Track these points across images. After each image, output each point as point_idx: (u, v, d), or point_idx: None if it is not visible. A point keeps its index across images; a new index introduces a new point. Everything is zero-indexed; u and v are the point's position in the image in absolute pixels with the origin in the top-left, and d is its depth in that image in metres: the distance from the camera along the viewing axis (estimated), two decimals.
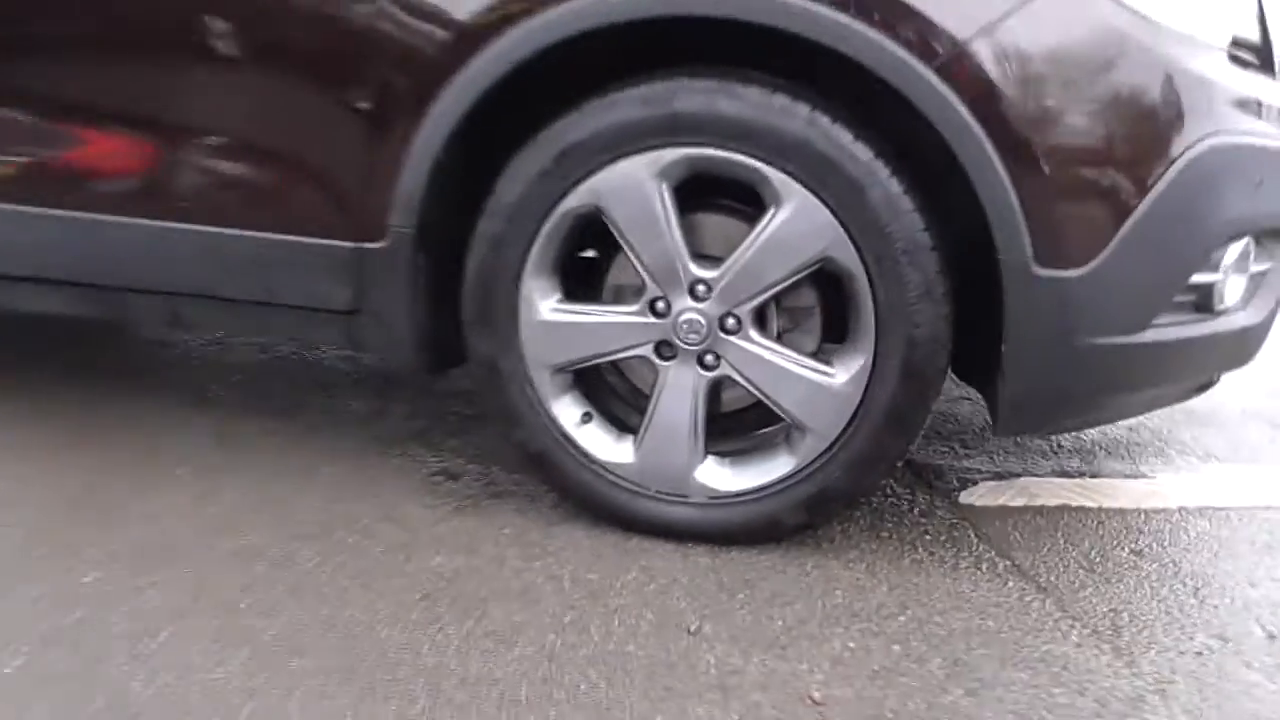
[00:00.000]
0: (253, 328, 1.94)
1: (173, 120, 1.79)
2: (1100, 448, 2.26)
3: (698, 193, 1.70)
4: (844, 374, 1.65)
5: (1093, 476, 2.12)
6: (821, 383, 1.66)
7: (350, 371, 2.53)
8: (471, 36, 1.62)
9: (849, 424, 1.67)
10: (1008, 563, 1.75)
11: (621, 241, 1.68)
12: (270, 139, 1.77)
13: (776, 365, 1.67)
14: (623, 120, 1.61)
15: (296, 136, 1.75)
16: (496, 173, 1.72)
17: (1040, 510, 1.95)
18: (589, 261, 1.84)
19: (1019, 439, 2.27)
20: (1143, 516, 1.95)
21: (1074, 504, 1.98)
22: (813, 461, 1.70)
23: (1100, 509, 1.97)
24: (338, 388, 2.42)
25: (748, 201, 1.73)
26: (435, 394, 2.41)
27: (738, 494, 1.74)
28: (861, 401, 1.65)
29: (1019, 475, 2.09)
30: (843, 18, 1.51)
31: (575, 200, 1.67)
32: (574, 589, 1.60)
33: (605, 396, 1.89)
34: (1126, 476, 2.13)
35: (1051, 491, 2.02)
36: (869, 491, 1.70)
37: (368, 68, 1.68)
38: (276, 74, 1.73)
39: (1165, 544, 1.85)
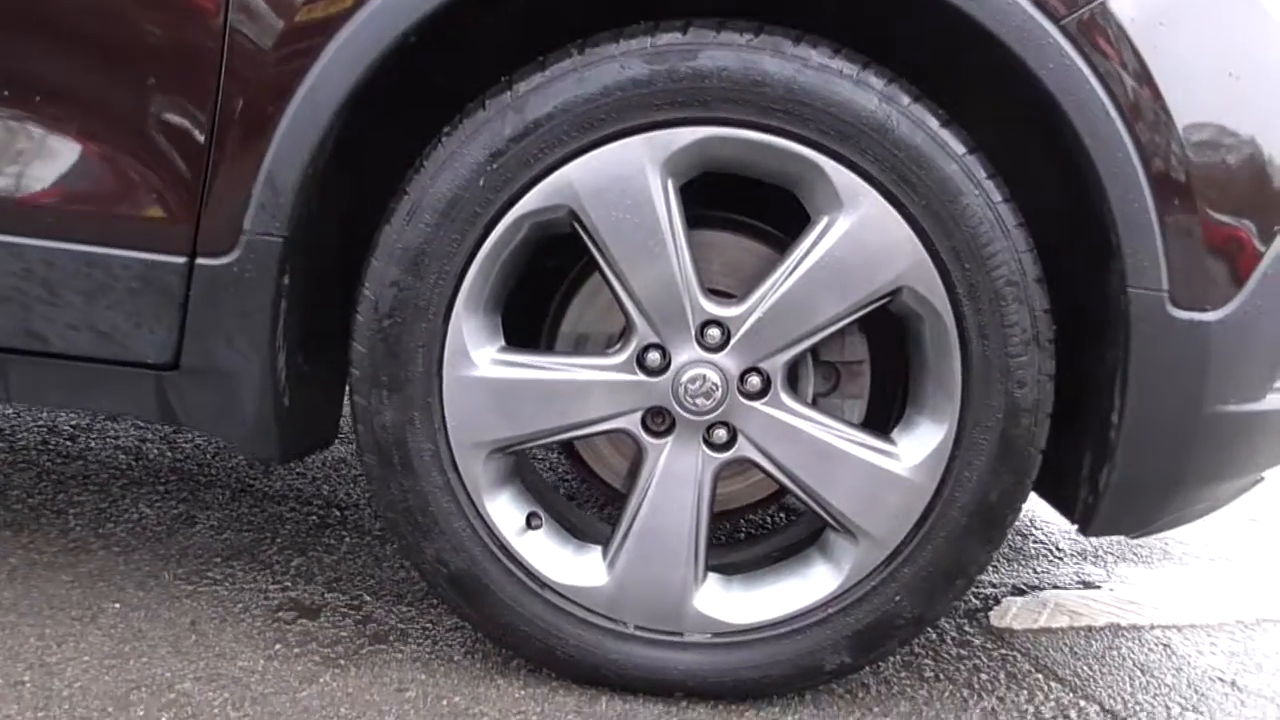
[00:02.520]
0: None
1: None
2: (1102, 550, 1.89)
3: (697, 201, 1.21)
4: (914, 454, 1.18)
5: (1122, 583, 1.73)
6: (882, 467, 1.18)
7: (126, 460, 1.82)
8: None
9: (918, 525, 1.19)
10: (1097, 708, 1.31)
11: (601, 261, 1.15)
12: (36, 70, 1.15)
13: (820, 443, 1.18)
14: (617, 82, 1.11)
15: (82, 72, 1.14)
16: (412, 157, 1.17)
17: (1091, 632, 1.54)
18: (530, 289, 1.30)
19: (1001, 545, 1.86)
20: (1208, 633, 1.57)
21: (1124, 622, 1.58)
22: (866, 579, 1.21)
23: (1155, 626, 1.57)
24: (113, 485, 1.72)
25: (767, 219, 1.26)
26: (257, 492, 1.75)
27: (754, 628, 1.22)
28: (937, 493, 1.18)
29: (1040, 588, 1.68)
30: None
31: (537, 200, 1.14)
32: None
33: (550, 492, 1.34)
34: (1159, 585, 1.76)
35: (1089, 607, 1.62)
36: (938, 617, 1.24)
37: None
38: None
39: (1260, 666, 1.47)
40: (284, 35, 1.12)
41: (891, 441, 1.19)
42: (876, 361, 1.30)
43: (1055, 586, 1.69)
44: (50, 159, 1.17)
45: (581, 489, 1.85)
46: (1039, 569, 1.76)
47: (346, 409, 1.26)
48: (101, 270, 1.17)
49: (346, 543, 1.59)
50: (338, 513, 1.69)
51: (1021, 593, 1.65)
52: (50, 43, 1.15)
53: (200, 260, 1.16)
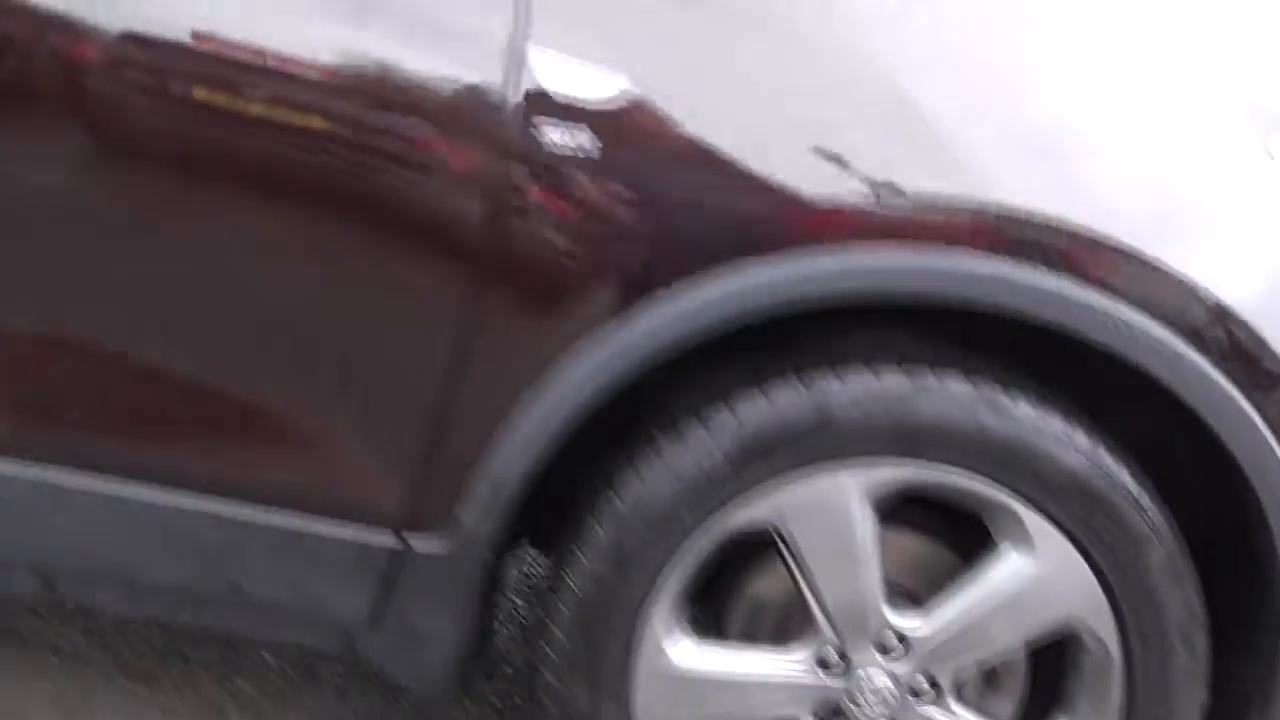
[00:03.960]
0: (192, 617, 1.30)
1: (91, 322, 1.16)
2: None
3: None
4: None
5: None
6: None
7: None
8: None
9: None
10: None
11: (798, 573, 1.21)
12: (263, 358, 1.17)
13: None
14: (835, 419, 1.15)
15: (314, 359, 1.17)
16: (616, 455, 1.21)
17: None
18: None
19: None
20: None
21: None
22: None
23: None
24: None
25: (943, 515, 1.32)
26: None
27: None
28: None
29: None
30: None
31: (744, 517, 1.19)
32: None
33: None
34: None
35: None
36: None
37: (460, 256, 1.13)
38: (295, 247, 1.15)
39: None
40: (530, 336, 1.14)
41: None
42: (1035, 664, 1.36)
43: None
44: (266, 430, 1.19)
45: None
46: None
47: None
48: (308, 540, 1.20)
49: None
50: None
51: None
52: (284, 313, 1.17)
53: (409, 537, 1.20)
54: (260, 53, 1.08)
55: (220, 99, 1.09)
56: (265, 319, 1.15)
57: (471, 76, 1.10)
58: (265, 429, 1.18)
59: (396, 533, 1.19)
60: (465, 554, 1.19)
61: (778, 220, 1.11)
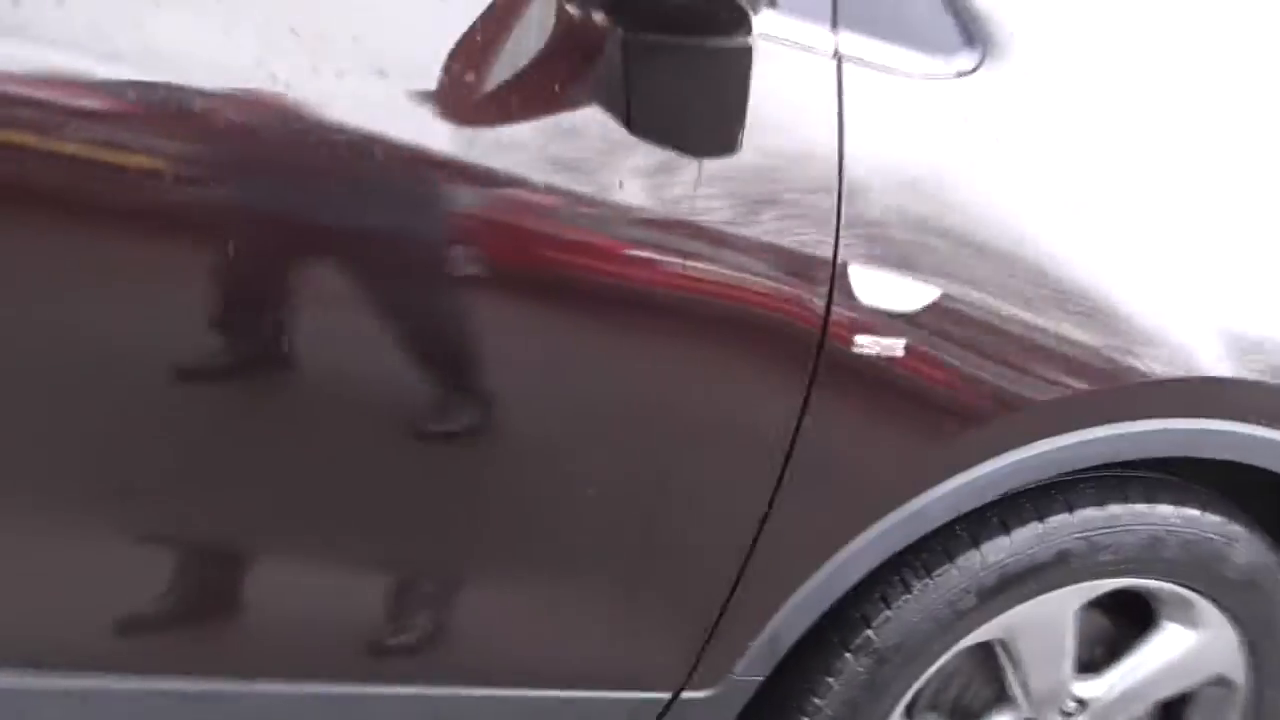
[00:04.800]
0: None
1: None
2: None
3: None
4: None
5: None
6: None
7: None
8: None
9: None
10: None
11: (1010, 670, 1.36)
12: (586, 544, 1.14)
13: None
14: (1072, 552, 1.28)
15: (624, 540, 1.14)
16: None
17: None
18: None
19: None
20: None
21: None
22: None
23: None
24: None
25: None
26: None
27: None
28: None
29: None
30: None
31: (981, 635, 1.31)
32: None
33: None
34: None
35: None
36: None
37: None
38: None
39: None
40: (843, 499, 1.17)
41: None
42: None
43: None
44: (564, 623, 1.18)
45: None
46: None
47: None
48: (577, 703, 1.22)
49: None
50: None
51: None
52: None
53: (685, 694, 1.24)
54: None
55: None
56: (582, 511, 1.12)
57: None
58: (565, 622, 1.17)
59: (674, 693, 1.24)
60: (732, 697, 1.26)
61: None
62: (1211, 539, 1.32)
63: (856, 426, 1.13)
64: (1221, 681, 1.45)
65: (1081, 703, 1.41)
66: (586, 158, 0.97)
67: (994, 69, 1.12)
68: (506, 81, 0.95)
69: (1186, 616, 1.39)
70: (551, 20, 0.95)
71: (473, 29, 0.93)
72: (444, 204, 0.96)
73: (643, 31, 0.88)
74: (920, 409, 1.13)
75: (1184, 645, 1.41)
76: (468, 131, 0.94)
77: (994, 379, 1.14)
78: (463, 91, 0.94)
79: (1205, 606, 1.38)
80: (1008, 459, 1.17)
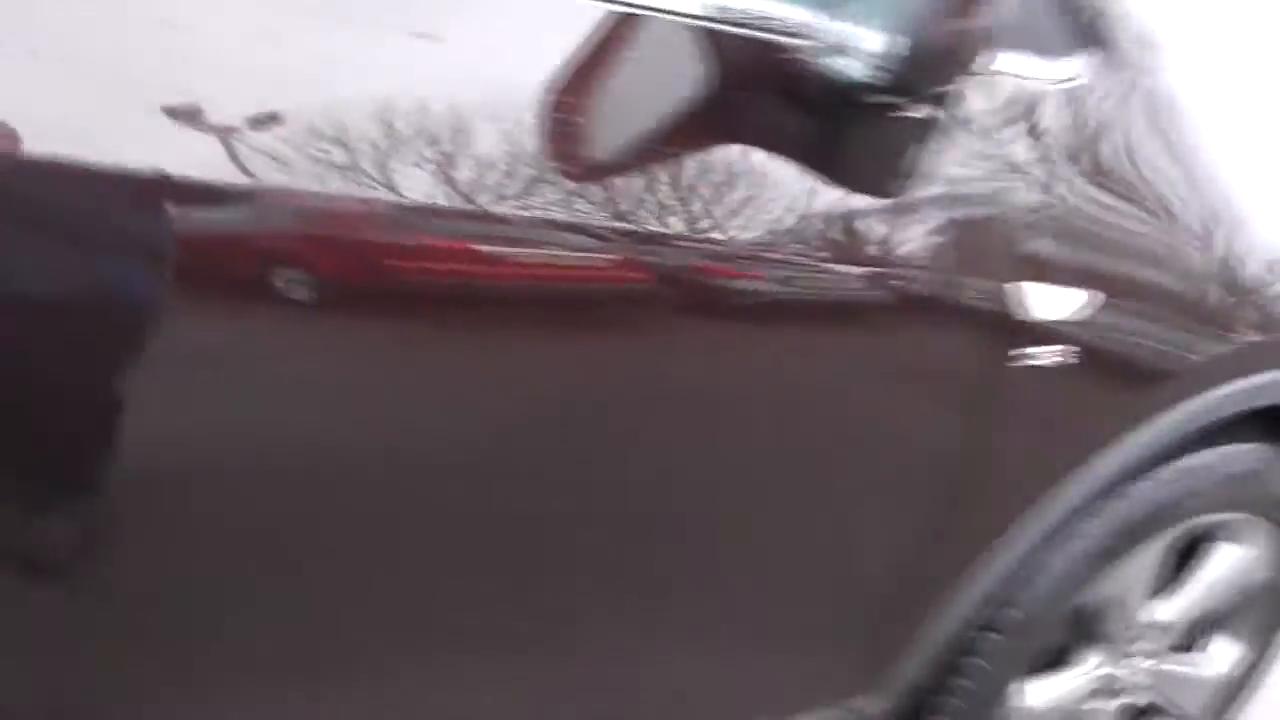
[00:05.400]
0: None
1: None
2: None
3: None
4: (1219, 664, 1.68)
5: None
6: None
7: None
8: None
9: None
10: None
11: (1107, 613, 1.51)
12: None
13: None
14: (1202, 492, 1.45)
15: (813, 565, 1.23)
16: None
17: None
18: None
19: None
20: None
21: None
22: None
23: None
24: None
25: None
26: None
27: None
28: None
29: None
30: None
31: (1088, 596, 1.45)
32: None
33: None
34: None
35: None
36: None
37: None
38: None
39: None
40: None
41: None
42: None
43: None
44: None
45: None
46: None
47: None
48: None
49: None
50: None
51: None
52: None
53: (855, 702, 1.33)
54: None
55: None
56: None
57: None
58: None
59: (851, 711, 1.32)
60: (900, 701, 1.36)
61: None
62: (1267, 468, 1.49)
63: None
64: (1270, 586, 1.64)
65: (1161, 629, 1.58)
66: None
67: None
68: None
69: (1237, 535, 1.56)
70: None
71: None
72: None
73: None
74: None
75: (1239, 559, 1.58)
76: None
77: None
78: None
79: (1255, 523, 1.56)
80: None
